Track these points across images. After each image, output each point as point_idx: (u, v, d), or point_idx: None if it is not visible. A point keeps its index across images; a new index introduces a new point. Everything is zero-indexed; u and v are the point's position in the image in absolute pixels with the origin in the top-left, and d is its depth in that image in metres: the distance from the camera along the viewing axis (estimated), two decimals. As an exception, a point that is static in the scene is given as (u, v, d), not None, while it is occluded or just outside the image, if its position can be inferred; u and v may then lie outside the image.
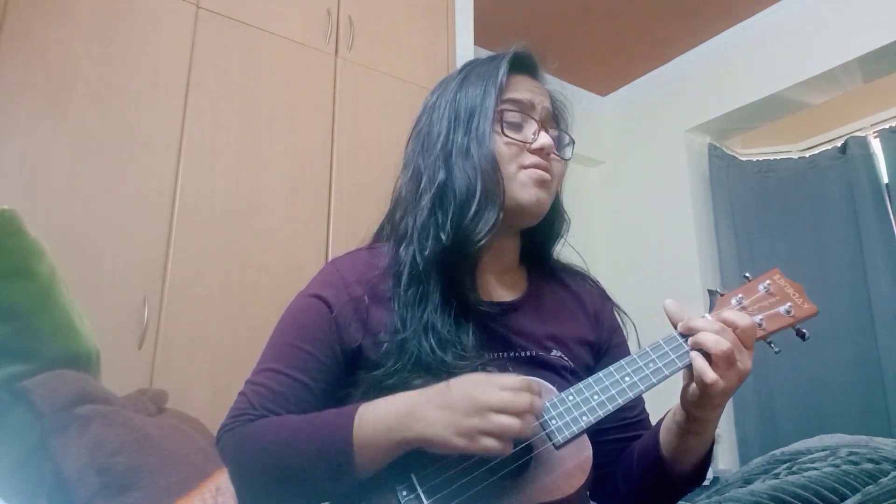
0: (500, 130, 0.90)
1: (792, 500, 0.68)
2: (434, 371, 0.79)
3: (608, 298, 1.04)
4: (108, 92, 1.77)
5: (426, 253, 0.86)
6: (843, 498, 0.66)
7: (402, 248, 0.90)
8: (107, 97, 1.76)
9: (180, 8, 1.93)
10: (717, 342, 0.73)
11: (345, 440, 0.74)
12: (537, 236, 1.01)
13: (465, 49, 2.57)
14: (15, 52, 1.65)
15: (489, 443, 0.69)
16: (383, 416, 0.74)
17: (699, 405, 0.76)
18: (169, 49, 1.89)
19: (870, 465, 0.68)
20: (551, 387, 0.81)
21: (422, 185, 0.92)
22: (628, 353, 0.95)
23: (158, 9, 1.89)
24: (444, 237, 0.86)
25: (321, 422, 0.77)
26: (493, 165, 0.88)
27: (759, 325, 0.80)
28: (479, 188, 0.87)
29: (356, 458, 0.73)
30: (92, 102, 1.74)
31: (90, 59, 1.76)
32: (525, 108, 0.93)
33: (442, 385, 0.73)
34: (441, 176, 0.90)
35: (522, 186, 0.90)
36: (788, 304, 0.82)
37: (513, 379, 0.72)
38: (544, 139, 0.91)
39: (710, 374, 0.72)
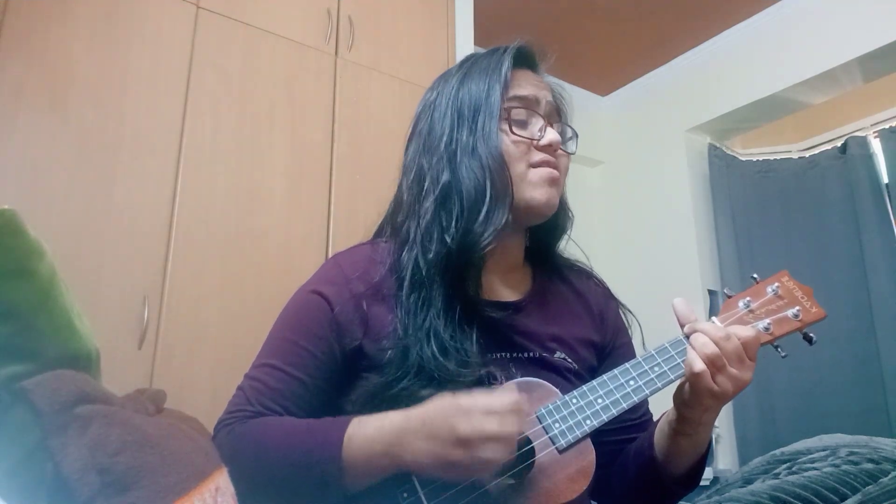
0: (507, 129, 0.88)
1: (792, 500, 0.68)
2: (437, 379, 0.78)
3: (613, 298, 1.03)
4: (108, 92, 1.76)
5: (430, 257, 0.84)
6: (843, 498, 0.66)
7: (404, 253, 0.87)
8: (107, 97, 1.76)
9: (180, 8, 1.93)
10: (704, 345, 0.73)
11: (333, 458, 0.72)
12: (543, 233, 1.00)
13: (465, 49, 2.57)
14: (15, 52, 1.65)
15: (477, 473, 0.68)
16: (372, 441, 0.72)
17: (689, 404, 0.76)
18: (169, 49, 1.89)
19: (870, 465, 0.68)
20: (555, 389, 0.81)
21: (425, 187, 0.89)
22: (633, 354, 0.94)
23: (158, 9, 1.89)
24: (448, 240, 0.83)
25: (312, 434, 0.76)
26: (501, 165, 0.86)
27: (767, 329, 0.80)
28: (488, 189, 0.84)
29: (344, 476, 0.73)
30: (92, 102, 1.74)
31: (90, 59, 1.76)
32: (530, 104, 0.91)
33: (428, 410, 0.71)
34: (445, 177, 0.87)
35: (533, 186, 0.88)
36: (797, 307, 0.81)
37: (499, 400, 0.68)
38: (552, 135, 0.89)
39: (698, 364, 0.72)
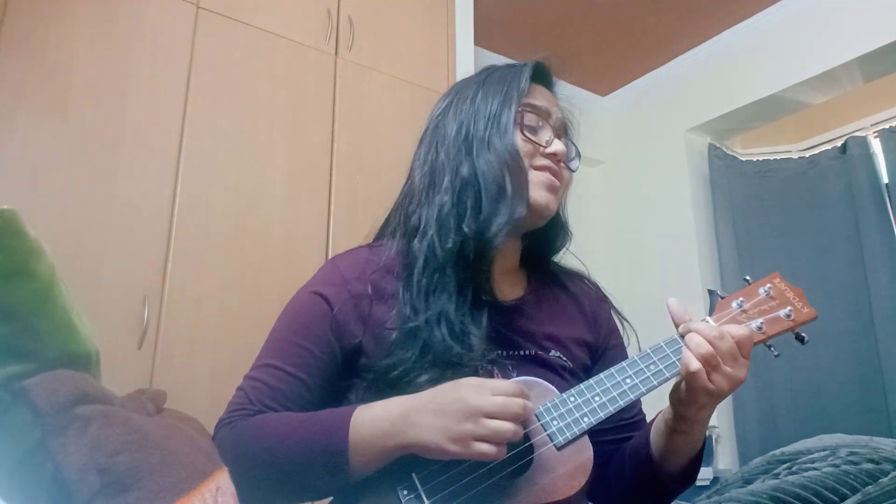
0: (518, 130, 0.91)
1: (792, 500, 0.68)
2: (441, 363, 0.79)
3: (605, 300, 1.04)
4: (108, 92, 1.76)
5: (448, 245, 0.86)
6: (843, 498, 0.67)
7: (415, 241, 0.89)
8: (107, 97, 1.76)
9: (180, 8, 1.93)
10: (699, 344, 0.73)
11: (340, 442, 0.74)
12: (539, 243, 1.02)
13: (465, 49, 2.57)
14: (15, 52, 1.65)
15: (483, 448, 0.69)
16: (378, 421, 0.74)
17: (685, 402, 0.77)
18: (169, 49, 1.89)
19: (870, 465, 0.68)
20: (552, 387, 0.81)
21: (442, 178, 0.91)
22: (625, 355, 0.95)
23: (158, 9, 1.89)
24: (466, 230, 0.86)
25: (317, 423, 0.78)
26: (517, 159, 0.89)
27: (760, 328, 0.80)
28: (508, 182, 0.87)
29: (351, 460, 0.74)
30: (92, 102, 1.74)
31: (90, 59, 1.76)
32: (542, 115, 0.94)
33: (436, 390, 0.74)
34: (465, 170, 0.89)
35: (533, 186, 0.90)
36: (789, 307, 0.82)
37: (506, 383, 0.73)
38: (559, 145, 0.92)
39: (694, 363, 0.73)
